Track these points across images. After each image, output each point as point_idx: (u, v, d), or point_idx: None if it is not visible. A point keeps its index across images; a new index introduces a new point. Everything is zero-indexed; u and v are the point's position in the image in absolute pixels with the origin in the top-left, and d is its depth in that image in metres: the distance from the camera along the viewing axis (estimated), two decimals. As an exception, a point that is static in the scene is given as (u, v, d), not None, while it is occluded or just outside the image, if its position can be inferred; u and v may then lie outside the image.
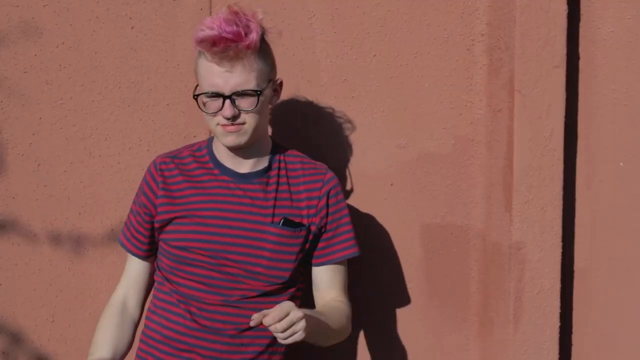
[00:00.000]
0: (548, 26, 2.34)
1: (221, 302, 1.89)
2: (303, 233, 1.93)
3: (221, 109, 1.81)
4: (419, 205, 2.46)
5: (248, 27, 1.79)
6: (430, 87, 2.43)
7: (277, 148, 2.01)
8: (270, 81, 1.89)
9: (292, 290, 1.96)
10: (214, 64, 1.80)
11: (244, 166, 1.94)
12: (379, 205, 2.43)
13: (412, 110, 2.43)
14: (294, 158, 2.02)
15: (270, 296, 1.91)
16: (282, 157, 2.00)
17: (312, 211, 1.96)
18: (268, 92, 1.89)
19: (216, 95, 1.82)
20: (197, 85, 1.88)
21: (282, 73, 2.32)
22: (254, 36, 1.79)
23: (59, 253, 2.23)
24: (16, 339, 2.22)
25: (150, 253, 2.00)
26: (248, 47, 1.79)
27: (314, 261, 2.01)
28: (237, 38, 1.77)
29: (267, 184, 1.94)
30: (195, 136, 2.28)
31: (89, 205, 2.24)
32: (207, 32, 1.77)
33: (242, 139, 1.86)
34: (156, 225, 1.94)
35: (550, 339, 2.44)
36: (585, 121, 2.55)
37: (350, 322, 2.02)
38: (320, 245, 1.99)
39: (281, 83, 1.96)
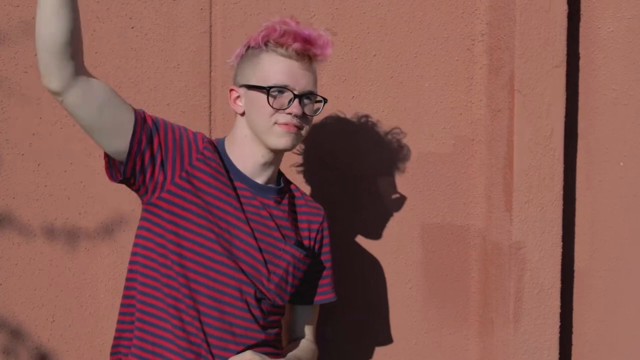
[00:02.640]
0: (548, 26, 2.34)
1: (226, 320, 1.78)
2: (308, 261, 1.91)
3: (287, 106, 1.77)
4: (419, 205, 2.46)
5: (325, 36, 1.82)
6: (430, 87, 2.43)
7: (281, 173, 1.96)
8: None
9: (279, 318, 1.92)
10: (290, 60, 1.78)
11: (261, 177, 1.86)
12: (379, 205, 2.43)
13: (412, 110, 2.43)
14: (294, 187, 1.98)
15: (266, 324, 1.85)
16: (287, 182, 1.95)
17: (312, 242, 1.95)
18: None
19: (285, 90, 1.78)
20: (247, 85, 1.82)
21: (282, 73, 2.32)
22: (329, 49, 1.82)
23: (59, 253, 2.23)
24: (16, 338, 2.22)
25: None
26: (323, 55, 1.81)
27: (299, 299, 1.98)
28: (318, 42, 1.79)
29: (280, 202, 1.88)
30: (195, 136, 2.28)
31: (89, 205, 2.24)
32: (291, 28, 1.78)
33: (295, 143, 1.82)
34: (165, 195, 1.74)
35: (550, 339, 2.44)
36: (585, 121, 2.55)
37: None
38: (312, 283, 1.98)
39: None
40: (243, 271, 1.79)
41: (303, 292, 1.98)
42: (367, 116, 2.39)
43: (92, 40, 2.21)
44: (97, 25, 2.20)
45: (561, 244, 2.43)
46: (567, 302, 2.56)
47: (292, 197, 1.95)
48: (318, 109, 1.86)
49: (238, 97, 1.85)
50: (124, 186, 2.08)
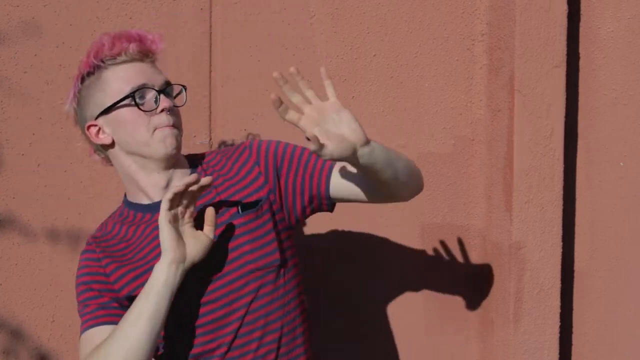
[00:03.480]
0: (548, 26, 2.34)
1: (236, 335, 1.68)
2: (266, 207, 1.71)
3: (157, 105, 1.66)
4: (419, 205, 2.46)
5: (150, 32, 1.74)
6: (430, 87, 2.43)
7: (190, 157, 1.83)
8: None
9: (296, 271, 1.77)
10: (134, 62, 1.68)
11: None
12: (379, 205, 2.43)
13: (412, 110, 2.43)
14: (210, 155, 1.82)
15: (274, 292, 1.70)
16: (200, 161, 1.80)
17: (262, 178, 1.73)
18: None
19: (146, 90, 1.67)
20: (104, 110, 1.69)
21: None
22: (162, 43, 1.72)
23: (59, 253, 2.23)
24: (16, 338, 2.22)
25: None
26: (158, 49, 1.72)
27: (323, 192, 1.75)
28: (149, 38, 1.70)
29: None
30: (195, 135, 2.28)
31: (89, 205, 2.24)
32: (120, 33, 1.68)
33: (179, 142, 1.70)
34: (126, 303, 1.67)
35: (550, 339, 2.44)
36: (585, 121, 2.55)
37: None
38: (306, 185, 1.74)
39: None
40: (219, 298, 1.67)
41: (315, 182, 1.74)
42: (367, 116, 2.39)
43: (92, 40, 2.20)
44: (97, 25, 2.20)
45: (561, 244, 2.43)
46: (567, 302, 2.56)
47: (214, 168, 1.77)
48: (183, 98, 1.76)
49: (99, 130, 1.71)
50: (123, 187, 2.07)
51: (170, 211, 1.59)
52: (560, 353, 2.49)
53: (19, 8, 2.16)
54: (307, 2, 2.33)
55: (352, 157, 1.55)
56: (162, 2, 2.24)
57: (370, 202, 1.77)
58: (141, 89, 1.67)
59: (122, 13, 2.21)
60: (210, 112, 2.30)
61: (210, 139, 2.30)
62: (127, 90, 1.66)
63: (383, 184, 1.67)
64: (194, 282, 1.66)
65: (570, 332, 2.61)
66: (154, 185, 1.73)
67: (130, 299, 1.66)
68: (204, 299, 1.68)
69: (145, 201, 1.75)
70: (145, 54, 1.70)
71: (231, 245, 1.69)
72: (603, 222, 2.59)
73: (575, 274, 2.60)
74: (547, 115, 2.37)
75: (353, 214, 2.41)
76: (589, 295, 2.60)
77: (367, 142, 1.56)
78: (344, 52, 2.36)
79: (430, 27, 2.41)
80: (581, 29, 2.52)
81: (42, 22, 2.18)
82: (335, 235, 2.41)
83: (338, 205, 2.45)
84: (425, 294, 2.49)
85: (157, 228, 1.64)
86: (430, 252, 2.48)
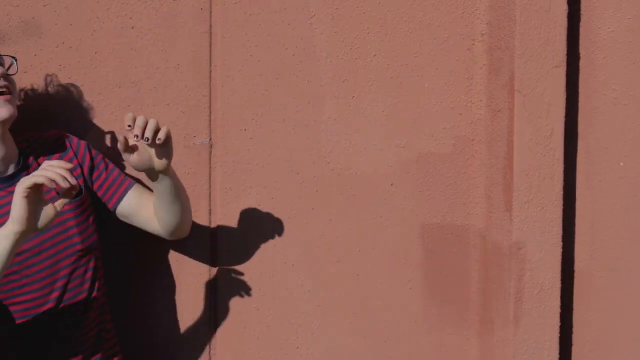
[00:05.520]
0: (548, 26, 2.34)
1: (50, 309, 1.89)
2: (86, 193, 1.98)
3: None
4: (419, 205, 2.46)
5: None
6: (430, 87, 2.43)
7: (15, 133, 1.95)
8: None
9: (98, 251, 2.02)
10: None
11: (10, 168, 1.89)
12: (379, 205, 2.43)
13: (412, 110, 2.43)
14: (33, 139, 1.99)
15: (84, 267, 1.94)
16: (27, 140, 1.97)
17: (79, 170, 1.99)
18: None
19: None
20: None
21: (281, 73, 2.32)
22: None
23: (59, 253, 2.23)
24: (16, 339, 2.22)
25: None
26: None
27: (111, 205, 2.04)
28: None
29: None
30: (195, 136, 2.28)
31: (89, 205, 2.24)
32: None
33: (13, 108, 1.84)
34: None
35: (550, 339, 2.44)
36: (585, 121, 2.55)
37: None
38: (102, 191, 2.03)
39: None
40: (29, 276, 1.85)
41: (109, 196, 2.04)
42: (367, 116, 2.39)
43: (92, 40, 2.21)
44: (97, 25, 2.20)
45: (561, 244, 2.43)
46: (567, 302, 2.56)
47: (41, 149, 1.96)
48: (14, 68, 1.89)
49: None
50: (124, 186, 2.05)
51: (29, 188, 1.66)
52: (560, 353, 2.49)
53: (19, 8, 2.16)
54: (307, 2, 2.33)
55: (150, 174, 1.90)
56: (162, 2, 2.24)
57: (146, 229, 2.09)
58: None
59: (122, 13, 2.21)
60: (210, 112, 2.30)
61: (210, 139, 2.30)
62: None
63: (166, 216, 2.02)
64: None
65: (570, 332, 2.61)
66: None
67: None
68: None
69: None
70: None
71: (60, 229, 1.89)
72: (603, 222, 2.59)
73: (575, 274, 2.60)
74: (547, 115, 2.37)
75: (353, 214, 2.41)
76: (589, 295, 2.61)
77: (167, 173, 1.90)
78: (344, 52, 2.36)
79: (430, 27, 2.41)
80: (581, 29, 2.52)
81: (42, 22, 2.17)
82: (335, 235, 2.41)
83: (336, 204, 2.45)
84: (425, 294, 2.49)
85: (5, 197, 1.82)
86: (430, 252, 2.48)
